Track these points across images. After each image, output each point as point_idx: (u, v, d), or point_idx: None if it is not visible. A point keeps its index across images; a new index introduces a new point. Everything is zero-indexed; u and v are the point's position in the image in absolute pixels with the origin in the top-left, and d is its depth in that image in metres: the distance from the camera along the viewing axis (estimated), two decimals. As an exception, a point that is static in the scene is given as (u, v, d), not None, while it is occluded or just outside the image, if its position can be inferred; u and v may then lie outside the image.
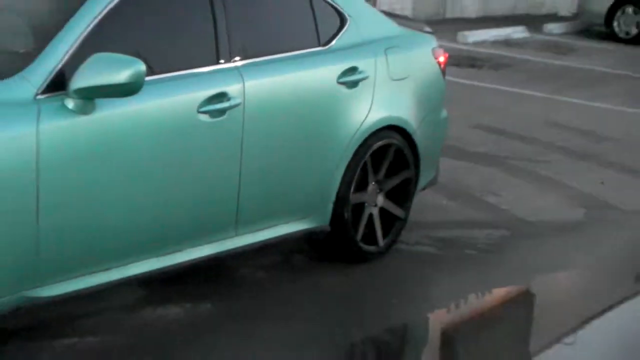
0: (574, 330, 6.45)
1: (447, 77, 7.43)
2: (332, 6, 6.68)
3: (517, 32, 18.55)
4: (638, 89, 14.31)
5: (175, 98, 5.58)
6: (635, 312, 7.03)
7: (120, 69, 5.05)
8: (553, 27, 19.89)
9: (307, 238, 6.61)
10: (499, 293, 7.00)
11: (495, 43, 17.42)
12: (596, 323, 6.59)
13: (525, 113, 11.88)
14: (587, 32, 19.81)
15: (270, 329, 5.91)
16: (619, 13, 19.45)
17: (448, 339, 6.46)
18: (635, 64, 16.65)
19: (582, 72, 15.39)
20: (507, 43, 17.56)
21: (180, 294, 6.05)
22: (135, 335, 5.64)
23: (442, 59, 7.32)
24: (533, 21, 19.77)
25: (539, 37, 18.95)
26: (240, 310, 6.10)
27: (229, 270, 6.44)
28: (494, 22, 18.94)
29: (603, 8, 19.56)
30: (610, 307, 6.85)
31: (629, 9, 19.35)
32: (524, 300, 7.08)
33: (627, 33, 19.26)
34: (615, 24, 19.43)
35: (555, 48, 17.77)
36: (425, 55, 7.23)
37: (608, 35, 19.38)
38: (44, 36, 5.22)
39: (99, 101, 5.12)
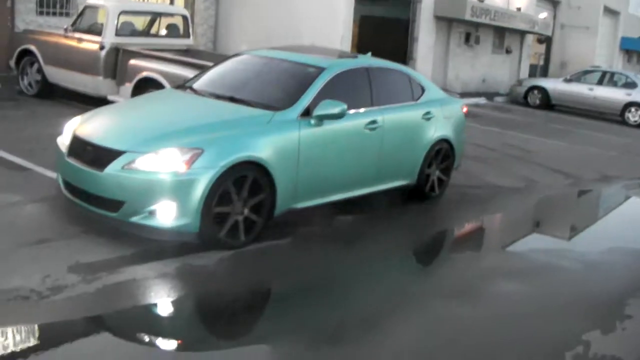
0: (527, 232, 6.63)
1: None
2: (419, 83, 6.84)
3: (481, 101, 18.34)
4: (540, 128, 14.19)
5: (356, 121, 5.78)
6: (551, 231, 7.09)
7: (335, 107, 5.29)
8: (498, 99, 19.60)
9: (404, 188, 6.66)
10: (489, 215, 7.12)
11: (471, 105, 17.23)
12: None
13: (491, 138, 11.85)
14: (514, 102, 19.51)
15: (387, 224, 6.13)
16: (530, 93, 19.18)
17: (466, 232, 6.60)
18: (538, 117, 16.46)
19: (514, 121, 15.25)
20: (477, 105, 17.38)
21: (350, 210, 6.16)
22: (331, 225, 5.83)
23: (465, 110, 7.41)
24: (489, 95, 19.54)
25: (492, 103, 18.71)
26: (375, 217, 6.27)
27: (369, 201, 6.45)
28: (470, 95, 18.74)
29: (522, 90, 19.39)
30: (537, 225, 7.00)
31: (535, 91, 19.09)
32: (501, 218, 7.21)
33: (534, 103, 18.97)
34: (528, 98, 19.12)
35: (500, 109, 17.56)
36: (458, 108, 7.31)
37: (525, 104, 19.12)
38: (300, 92, 5.45)
39: (325, 121, 5.35)
